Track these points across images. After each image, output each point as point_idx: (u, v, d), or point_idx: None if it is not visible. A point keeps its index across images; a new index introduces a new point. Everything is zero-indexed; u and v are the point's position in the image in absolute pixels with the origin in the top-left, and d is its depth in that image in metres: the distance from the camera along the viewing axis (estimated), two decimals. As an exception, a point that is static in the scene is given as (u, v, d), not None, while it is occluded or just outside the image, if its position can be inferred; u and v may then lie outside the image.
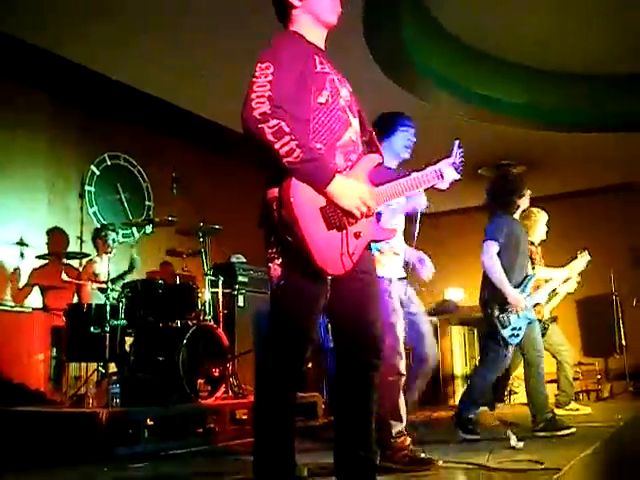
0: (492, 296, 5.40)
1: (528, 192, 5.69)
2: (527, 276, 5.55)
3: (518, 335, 5.34)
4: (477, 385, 5.55)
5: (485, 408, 6.81)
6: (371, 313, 2.77)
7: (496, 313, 5.36)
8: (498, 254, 5.34)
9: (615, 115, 9.38)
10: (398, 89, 8.39)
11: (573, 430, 5.18)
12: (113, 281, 6.39)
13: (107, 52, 7.33)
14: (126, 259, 7.31)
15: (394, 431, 3.92)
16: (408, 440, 3.96)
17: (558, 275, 6.40)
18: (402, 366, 3.98)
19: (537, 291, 5.81)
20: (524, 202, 5.69)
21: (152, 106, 8.49)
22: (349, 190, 2.62)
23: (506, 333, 5.31)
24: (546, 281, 6.18)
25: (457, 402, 5.72)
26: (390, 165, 4.17)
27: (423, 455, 3.92)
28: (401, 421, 3.98)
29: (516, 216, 5.68)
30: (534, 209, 6.92)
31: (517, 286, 5.42)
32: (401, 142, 4.23)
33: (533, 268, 6.22)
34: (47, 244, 7.31)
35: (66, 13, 6.57)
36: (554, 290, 6.91)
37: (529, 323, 5.43)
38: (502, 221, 5.50)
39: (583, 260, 6.83)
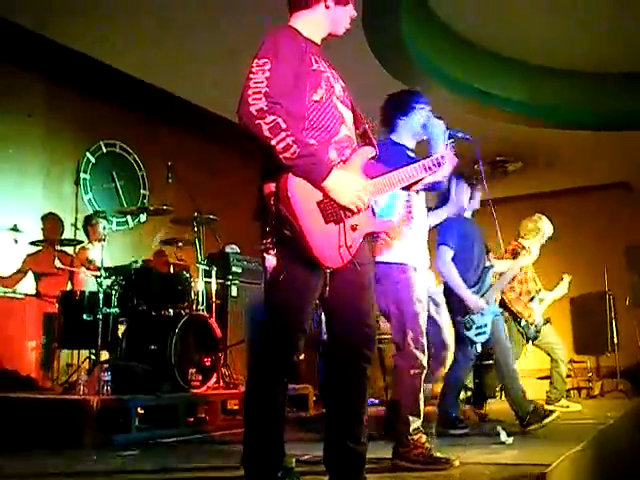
0: (451, 300, 5.44)
1: (479, 193, 5.65)
2: (484, 269, 5.53)
3: (485, 332, 5.35)
4: (450, 383, 5.56)
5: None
6: (365, 304, 2.78)
7: (458, 317, 5.38)
8: (454, 258, 5.34)
9: (612, 113, 9.40)
10: (396, 82, 8.38)
11: (557, 413, 5.22)
12: (107, 270, 6.37)
13: (104, 39, 7.31)
14: (122, 248, 7.29)
15: (412, 428, 3.76)
16: (424, 437, 3.79)
17: (514, 264, 6.21)
18: (424, 359, 3.85)
19: (498, 280, 5.76)
20: (474, 203, 5.65)
21: (149, 94, 8.48)
22: (345, 185, 2.63)
23: (471, 334, 5.34)
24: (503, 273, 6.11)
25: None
26: (408, 144, 4.13)
27: (439, 454, 3.73)
28: (419, 417, 3.84)
29: (468, 215, 5.65)
30: (543, 217, 6.93)
31: (477, 283, 5.43)
32: (419, 120, 4.10)
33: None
34: (42, 230, 7.28)
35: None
36: (540, 291, 6.96)
37: (495, 316, 5.46)
38: (453, 224, 5.46)
39: (564, 285, 7.18)
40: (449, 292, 5.44)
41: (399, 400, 3.88)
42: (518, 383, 5.42)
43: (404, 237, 3.97)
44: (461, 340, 5.45)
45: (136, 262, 6.62)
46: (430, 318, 4.30)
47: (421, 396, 3.87)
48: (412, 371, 3.80)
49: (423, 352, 3.86)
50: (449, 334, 5.83)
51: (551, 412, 5.24)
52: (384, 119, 4.23)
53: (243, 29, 6.40)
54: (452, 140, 3.26)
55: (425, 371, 3.88)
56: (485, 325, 5.35)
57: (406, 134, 4.16)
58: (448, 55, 8.36)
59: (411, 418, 3.78)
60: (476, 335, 5.34)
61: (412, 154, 4.11)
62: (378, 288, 3.47)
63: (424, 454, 3.70)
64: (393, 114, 4.20)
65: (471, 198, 5.60)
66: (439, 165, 3.09)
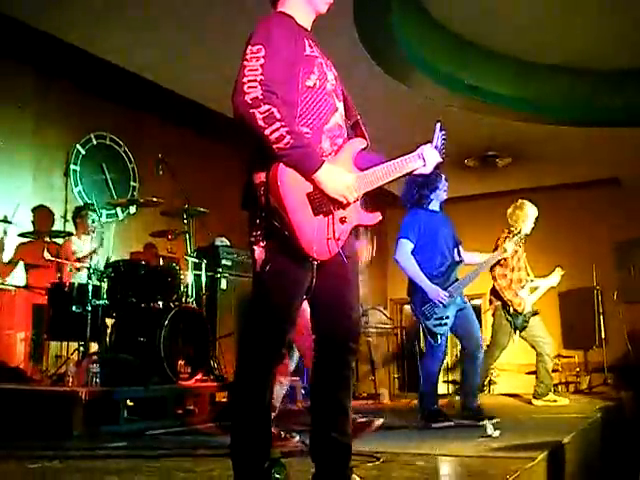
0: (413, 290, 5.48)
1: (444, 185, 5.67)
2: (451, 264, 5.56)
3: (446, 324, 5.38)
4: (425, 377, 5.60)
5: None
6: (351, 297, 2.79)
7: (418, 306, 5.41)
8: (414, 250, 5.41)
9: (603, 110, 9.43)
10: (386, 77, 8.41)
11: (498, 419, 5.14)
12: (80, 260, 6.38)
13: (95, 31, 7.29)
14: (110, 239, 7.29)
15: None
16: None
17: (488, 259, 6.17)
18: None
19: (465, 276, 5.79)
20: (440, 195, 5.66)
21: (139, 87, 8.47)
22: (336, 178, 2.63)
23: (430, 324, 5.37)
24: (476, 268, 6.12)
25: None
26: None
27: None
28: None
29: (433, 207, 5.66)
30: (527, 202, 6.97)
31: (441, 276, 5.45)
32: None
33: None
34: (32, 222, 7.27)
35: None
36: (532, 280, 7.00)
37: (460, 310, 5.48)
38: (415, 217, 5.54)
39: (556, 276, 7.20)
40: (411, 285, 5.49)
41: None
42: (477, 378, 5.50)
43: None
44: (424, 332, 5.48)
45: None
46: None
47: None
48: None
49: None
50: None
51: (492, 417, 5.14)
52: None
53: (235, 22, 6.39)
54: (444, 136, 3.26)
55: None
56: (447, 317, 5.38)
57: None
58: (439, 49, 8.37)
59: None
60: (435, 326, 5.37)
61: None
62: None
63: None
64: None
65: (436, 189, 5.61)
66: (424, 159, 3.09)
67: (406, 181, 5.61)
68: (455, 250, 5.72)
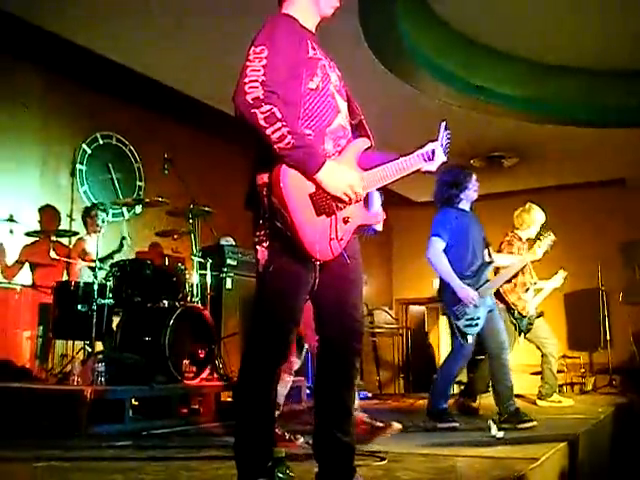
0: (444, 289, 5.44)
1: (474, 185, 5.65)
2: (482, 264, 5.52)
3: (477, 324, 5.33)
4: (444, 376, 5.59)
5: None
6: (354, 297, 2.79)
7: (449, 305, 5.38)
8: (446, 249, 5.36)
9: (609, 110, 9.40)
10: (391, 77, 8.40)
11: (535, 423, 5.16)
12: (102, 260, 6.41)
13: (102, 31, 7.30)
14: (116, 238, 7.31)
15: None
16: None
17: (516, 261, 6.20)
18: None
19: (495, 278, 5.77)
20: (470, 195, 5.61)
21: (146, 86, 8.47)
22: (338, 177, 2.63)
23: (461, 324, 5.33)
24: (504, 267, 6.12)
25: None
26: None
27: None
28: None
29: (463, 206, 5.61)
30: (535, 206, 6.95)
31: (473, 276, 5.44)
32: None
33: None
34: (38, 222, 7.29)
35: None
36: (535, 283, 6.99)
37: (490, 311, 5.45)
38: (446, 215, 5.50)
39: (560, 278, 7.29)
40: (442, 284, 5.45)
41: None
42: (508, 379, 5.43)
43: None
44: (453, 331, 5.46)
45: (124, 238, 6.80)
46: None
47: None
48: None
49: None
50: None
51: (530, 420, 5.19)
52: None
53: (242, 23, 6.39)
54: (448, 135, 3.26)
55: None
56: (478, 318, 5.33)
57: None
58: (445, 49, 8.35)
59: None
60: (465, 326, 5.33)
61: None
62: None
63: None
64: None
65: (466, 189, 5.58)
66: (431, 159, 3.09)
67: (436, 181, 5.63)
68: (485, 251, 5.70)
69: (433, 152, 3.08)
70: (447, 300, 5.40)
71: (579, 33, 8.08)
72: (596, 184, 11.95)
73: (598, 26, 7.91)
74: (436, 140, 3.17)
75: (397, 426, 4.36)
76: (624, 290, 10.80)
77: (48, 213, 7.39)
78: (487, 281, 5.49)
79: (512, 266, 6.01)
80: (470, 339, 5.38)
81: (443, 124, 3.25)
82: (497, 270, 6.13)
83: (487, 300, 5.42)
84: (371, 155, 2.90)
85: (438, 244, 5.37)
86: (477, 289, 5.35)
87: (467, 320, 5.32)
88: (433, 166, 3.10)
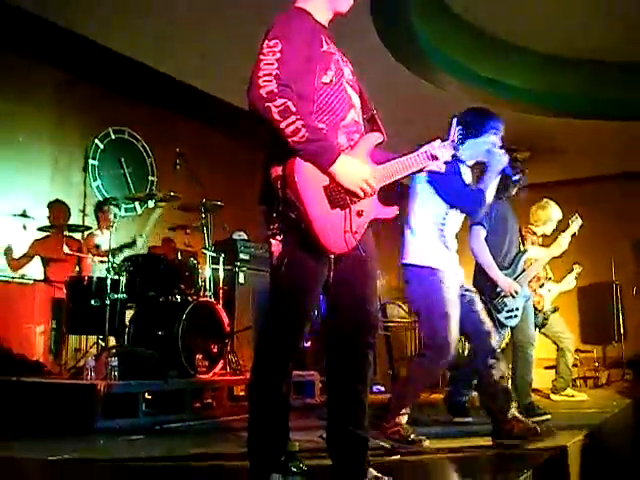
0: (484, 281, 5.33)
1: (516, 178, 5.57)
2: (517, 254, 5.48)
3: (517, 315, 5.28)
4: (467, 373, 5.53)
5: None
6: (368, 290, 2.79)
7: (489, 299, 5.31)
8: (486, 238, 5.23)
9: (625, 103, 9.35)
10: (406, 72, 8.38)
11: (549, 416, 5.14)
12: (113, 253, 6.41)
13: (114, 27, 7.31)
14: (128, 234, 7.31)
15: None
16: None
17: (547, 253, 6.11)
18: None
19: (530, 267, 5.73)
20: (510, 189, 5.54)
21: (158, 81, 8.48)
22: (352, 170, 2.63)
23: (502, 316, 5.26)
24: (536, 260, 6.09)
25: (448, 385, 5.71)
26: (467, 162, 4.35)
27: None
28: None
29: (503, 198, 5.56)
30: (552, 203, 6.89)
31: (509, 267, 5.38)
32: (485, 145, 4.28)
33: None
34: (49, 217, 7.31)
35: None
36: (548, 279, 6.96)
37: (526, 301, 5.40)
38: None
39: (572, 277, 7.36)
40: (480, 273, 5.34)
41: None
42: (529, 374, 5.41)
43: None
44: (499, 327, 5.38)
45: (140, 236, 6.84)
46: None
47: None
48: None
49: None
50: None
51: (545, 413, 5.18)
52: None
53: (255, 20, 6.38)
54: (460, 131, 3.23)
55: None
56: (517, 308, 5.27)
57: (468, 154, 4.29)
58: (458, 43, 8.32)
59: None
60: (506, 318, 5.26)
61: (467, 171, 4.37)
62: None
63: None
64: (464, 132, 4.27)
65: (507, 184, 5.50)
66: (435, 158, 3.05)
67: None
68: (520, 240, 5.66)
69: (435, 156, 3.02)
70: (487, 293, 5.23)
71: (596, 26, 8.02)
72: (610, 177, 11.88)
73: (618, 18, 7.84)
74: (447, 136, 3.14)
75: (426, 443, 4.22)
76: (638, 284, 10.74)
77: (60, 208, 7.39)
78: (523, 271, 5.45)
79: (541, 258, 5.98)
80: (506, 330, 5.35)
81: (455, 120, 3.23)
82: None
83: (525, 289, 5.38)
84: (384, 152, 2.89)
85: (481, 233, 5.20)
86: (515, 279, 5.30)
87: (507, 312, 5.26)
88: (441, 163, 3.04)
